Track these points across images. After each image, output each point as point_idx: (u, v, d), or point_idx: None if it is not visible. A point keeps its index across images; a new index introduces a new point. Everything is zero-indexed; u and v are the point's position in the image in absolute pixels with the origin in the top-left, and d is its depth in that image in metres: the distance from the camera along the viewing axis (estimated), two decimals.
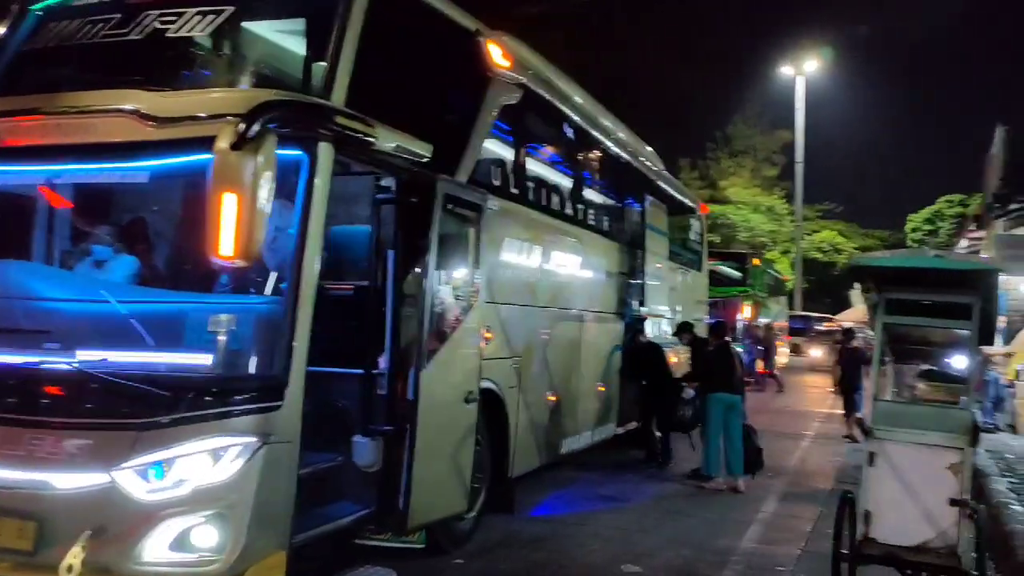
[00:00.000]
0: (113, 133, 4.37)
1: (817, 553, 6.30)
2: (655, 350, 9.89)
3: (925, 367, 4.85)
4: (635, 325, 9.76)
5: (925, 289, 4.67)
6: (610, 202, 9.80)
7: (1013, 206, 11.46)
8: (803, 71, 32.57)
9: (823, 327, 30.99)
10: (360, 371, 5.15)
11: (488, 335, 6.28)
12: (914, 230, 50.67)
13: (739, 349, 16.33)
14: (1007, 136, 12.86)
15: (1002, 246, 10.90)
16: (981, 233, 15.62)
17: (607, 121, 9.66)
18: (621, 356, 9.57)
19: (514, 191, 6.96)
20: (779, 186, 45.45)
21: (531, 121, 7.54)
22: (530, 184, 7.45)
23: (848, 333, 14.21)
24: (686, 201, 13.31)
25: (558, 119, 8.09)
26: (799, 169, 32.50)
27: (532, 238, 7.24)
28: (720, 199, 41.89)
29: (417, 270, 5.21)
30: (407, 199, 5.18)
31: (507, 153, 7.18)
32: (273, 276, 4.45)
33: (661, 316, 10.90)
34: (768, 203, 43.39)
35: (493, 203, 6.28)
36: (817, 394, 20.31)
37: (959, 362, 5.08)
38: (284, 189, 4.30)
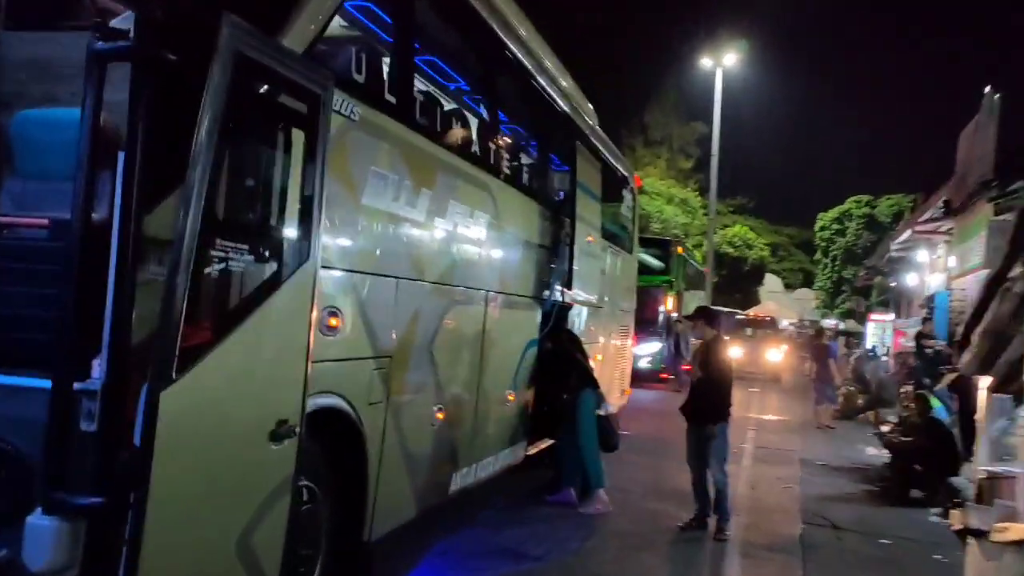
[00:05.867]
0: None
1: None
2: (577, 343, 7.70)
3: None
4: (558, 313, 7.41)
5: None
6: (533, 150, 7.45)
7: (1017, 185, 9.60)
8: (722, 63, 30.84)
9: (740, 318, 30.09)
10: (47, 383, 2.64)
11: (334, 321, 3.85)
12: (822, 228, 50.84)
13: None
14: (1002, 104, 10.96)
15: (996, 235, 9.09)
16: (947, 223, 13.95)
17: (535, 44, 7.26)
18: (537, 352, 7.22)
19: (392, 99, 4.49)
20: (693, 179, 44.74)
21: (428, 3, 5.12)
22: (420, 98, 5.01)
23: (820, 332, 16.35)
24: (620, 169, 11.01)
25: (470, 13, 5.64)
26: (714, 162, 30.98)
27: (417, 177, 4.74)
28: None
29: (175, 192, 2.72)
30: (160, 55, 2.69)
31: (386, 47, 4.76)
32: None
33: (591, 304, 8.63)
34: (682, 195, 42.88)
35: (354, 107, 3.86)
36: (743, 397, 18.53)
37: None
38: None
